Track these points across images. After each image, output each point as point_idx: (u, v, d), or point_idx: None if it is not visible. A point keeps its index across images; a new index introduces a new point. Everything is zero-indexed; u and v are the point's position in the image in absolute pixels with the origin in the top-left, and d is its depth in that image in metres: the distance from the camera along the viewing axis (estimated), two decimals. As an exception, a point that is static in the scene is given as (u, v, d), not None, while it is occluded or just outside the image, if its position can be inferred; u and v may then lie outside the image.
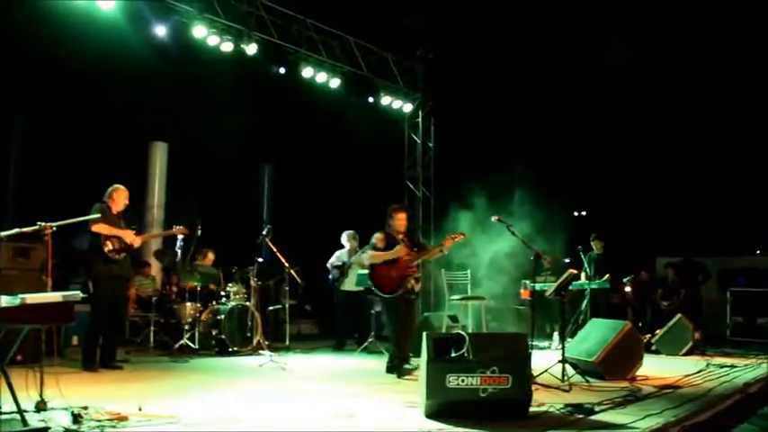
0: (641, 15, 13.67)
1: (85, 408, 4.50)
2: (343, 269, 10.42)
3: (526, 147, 14.28)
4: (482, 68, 13.89)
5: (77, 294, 4.33)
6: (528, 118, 14.47)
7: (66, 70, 9.83)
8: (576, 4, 13.61)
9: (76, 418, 4.28)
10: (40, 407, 4.50)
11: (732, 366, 8.17)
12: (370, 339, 9.77)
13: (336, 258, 10.62)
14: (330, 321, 11.92)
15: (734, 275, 12.98)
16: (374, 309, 10.39)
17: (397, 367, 7.13)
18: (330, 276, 10.65)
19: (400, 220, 7.41)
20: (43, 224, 4.91)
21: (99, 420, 4.33)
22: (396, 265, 7.23)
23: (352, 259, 10.31)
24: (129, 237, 7.34)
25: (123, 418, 4.44)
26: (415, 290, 7.29)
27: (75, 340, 8.93)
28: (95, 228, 7.02)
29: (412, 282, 7.22)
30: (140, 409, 4.67)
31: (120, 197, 7.42)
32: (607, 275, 10.31)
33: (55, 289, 4.74)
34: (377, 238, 7.48)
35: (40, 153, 10.43)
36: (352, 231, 10.64)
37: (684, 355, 9.51)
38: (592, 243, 10.78)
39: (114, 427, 4.28)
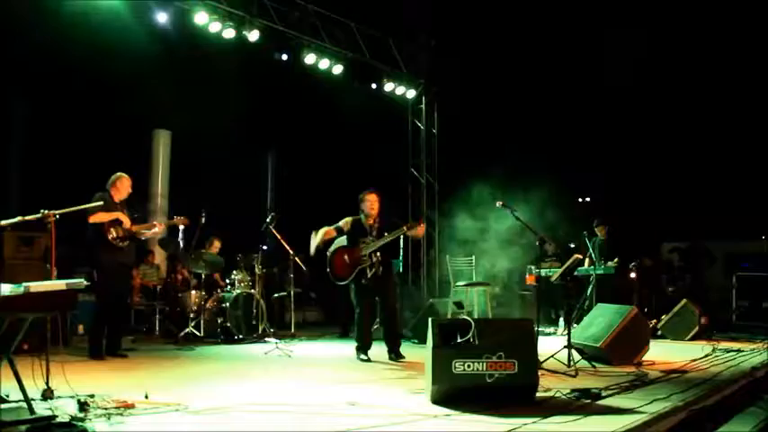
0: (642, 4, 13.54)
1: (92, 396, 4.49)
2: None
3: (530, 133, 14.24)
4: (486, 54, 13.81)
5: (81, 282, 4.31)
6: (532, 103, 14.40)
7: (68, 58, 9.80)
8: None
9: (83, 407, 4.26)
10: (47, 395, 4.51)
11: (738, 351, 8.15)
12: (375, 326, 9.73)
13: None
14: (335, 308, 11.92)
15: (740, 260, 12.91)
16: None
17: (357, 350, 7.42)
18: None
19: (369, 203, 7.46)
20: (46, 212, 4.89)
21: (105, 408, 4.33)
22: (350, 252, 7.36)
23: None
24: (126, 220, 7.28)
25: (130, 406, 4.43)
26: (368, 274, 7.28)
27: (80, 329, 8.95)
28: (93, 219, 6.99)
29: (366, 269, 7.27)
30: (146, 397, 4.67)
31: (123, 186, 7.39)
32: (616, 259, 10.27)
33: (60, 277, 4.73)
34: (344, 221, 7.53)
35: (44, 141, 10.42)
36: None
37: (690, 339, 9.49)
38: (595, 229, 10.72)
39: (121, 414, 4.27)
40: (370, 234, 7.39)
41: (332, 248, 7.54)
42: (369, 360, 7.27)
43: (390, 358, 7.37)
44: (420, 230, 7.64)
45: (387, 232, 7.34)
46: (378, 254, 7.31)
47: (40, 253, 7.00)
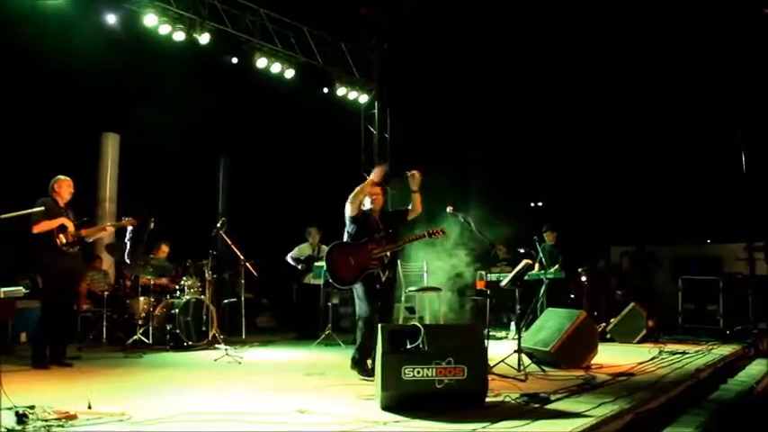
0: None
1: (32, 407, 4.37)
2: (309, 263, 10.39)
3: (482, 138, 14.34)
4: (438, 59, 13.85)
5: (20, 290, 4.19)
6: (484, 109, 14.49)
7: (12, 59, 9.53)
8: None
9: (21, 419, 4.14)
10: (-18, 407, 4.36)
11: (684, 353, 8.32)
12: (327, 332, 9.68)
13: (298, 251, 10.58)
14: (288, 314, 11.85)
15: (686, 264, 13.20)
16: (331, 301, 10.37)
17: (359, 363, 6.52)
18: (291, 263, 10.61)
19: (377, 196, 6.89)
20: (-18, 217, 4.74)
21: (46, 420, 4.21)
22: (357, 253, 6.54)
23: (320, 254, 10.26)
24: (70, 225, 7.11)
25: (72, 417, 4.32)
26: (382, 278, 6.61)
27: (23, 337, 8.71)
28: (37, 228, 6.80)
29: (378, 271, 6.57)
30: (90, 407, 4.56)
31: (63, 188, 7.18)
32: (556, 266, 10.39)
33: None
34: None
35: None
36: (316, 227, 10.64)
37: (638, 342, 9.65)
38: (544, 234, 10.83)
39: (62, 426, 4.17)
40: (377, 232, 6.67)
41: (331, 246, 6.75)
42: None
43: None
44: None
45: (391, 228, 6.73)
46: (388, 254, 6.70)
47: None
